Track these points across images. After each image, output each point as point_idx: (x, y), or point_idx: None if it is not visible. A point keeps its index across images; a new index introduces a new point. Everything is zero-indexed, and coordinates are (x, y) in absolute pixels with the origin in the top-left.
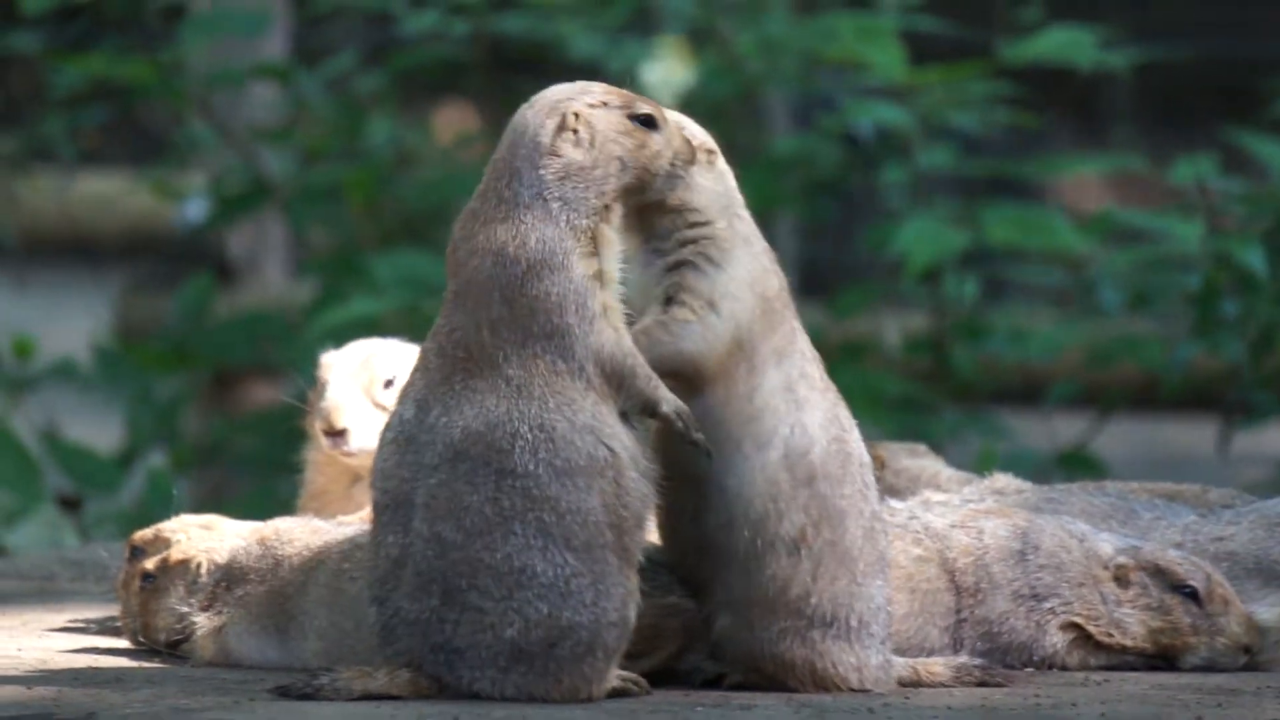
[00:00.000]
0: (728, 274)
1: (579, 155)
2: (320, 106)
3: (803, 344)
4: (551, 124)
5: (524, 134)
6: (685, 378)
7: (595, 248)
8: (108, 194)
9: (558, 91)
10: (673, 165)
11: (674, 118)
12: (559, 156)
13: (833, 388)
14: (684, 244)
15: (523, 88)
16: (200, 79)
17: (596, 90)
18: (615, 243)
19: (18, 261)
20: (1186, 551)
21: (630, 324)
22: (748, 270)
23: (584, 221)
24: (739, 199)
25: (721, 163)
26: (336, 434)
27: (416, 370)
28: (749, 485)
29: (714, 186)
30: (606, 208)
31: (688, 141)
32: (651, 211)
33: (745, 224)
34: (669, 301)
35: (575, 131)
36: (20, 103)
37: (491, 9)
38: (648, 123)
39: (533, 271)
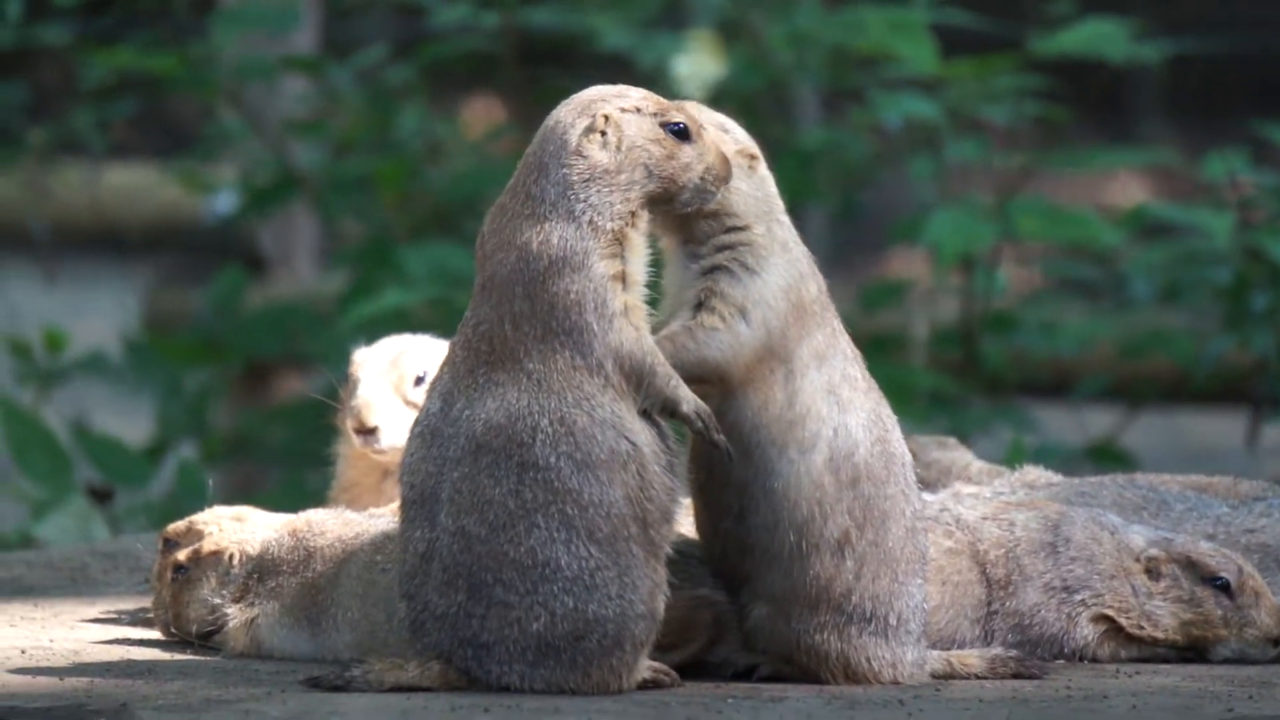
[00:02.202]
0: (762, 280)
1: (604, 158)
2: (350, 99)
3: (845, 345)
4: (581, 124)
5: (554, 131)
6: (712, 384)
7: (620, 249)
8: (137, 186)
9: (594, 92)
10: (703, 180)
11: (716, 120)
12: (584, 157)
13: (875, 386)
14: (721, 249)
15: (552, 80)
16: (230, 72)
17: (634, 95)
18: (641, 246)
19: (47, 253)
20: (1218, 544)
21: (655, 327)
22: (784, 277)
23: (608, 224)
24: (779, 204)
25: (763, 168)
26: (368, 432)
27: (445, 364)
28: (794, 488)
29: (754, 192)
30: (633, 214)
31: (725, 160)
32: (691, 215)
33: (785, 229)
34: (699, 306)
35: (603, 134)
36: (50, 95)
37: (522, 1)
38: (681, 134)
39: (554, 269)
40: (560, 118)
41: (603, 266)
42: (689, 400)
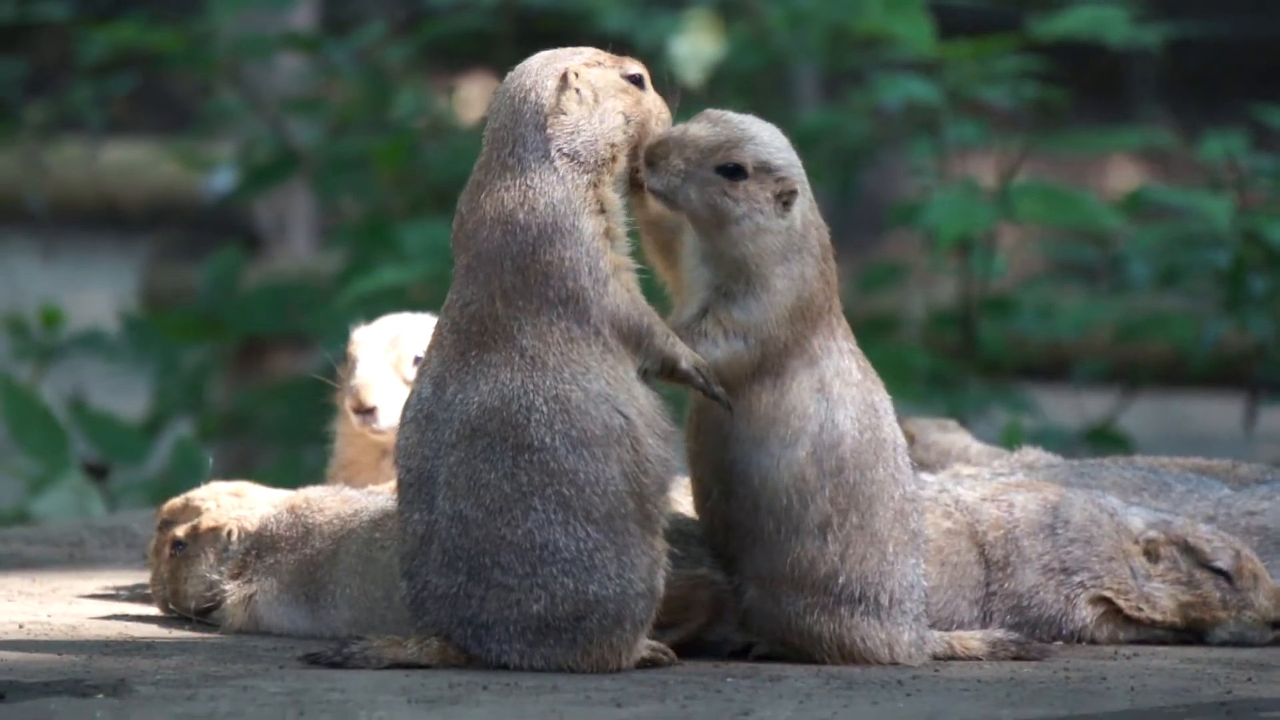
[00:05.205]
0: (765, 307)
1: (584, 112)
2: (348, 76)
3: (841, 339)
4: (552, 85)
5: (524, 99)
6: None
7: (601, 206)
8: (135, 163)
9: (544, 56)
10: (659, 125)
11: (761, 158)
12: (565, 114)
13: (871, 373)
14: (732, 279)
15: None
16: (229, 48)
17: (586, 51)
18: (618, 205)
19: (46, 229)
20: (1218, 525)
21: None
22: (789, 300)
23: (589, 176)
24: (811, 234)
25: (800, 203)
26: (366, 411)
27: (432, 347)
28: (774, 479)
29: (782, 231)
30: (613, 159)
31: (664, 105)
32: (724, 246)
33: (806, 258)
34: (704, 313)
35: (577, 90)
36: (49, 71)
37: None
38: (638, 81)
39: (544, 237)
40: (525, 85)
41: (591, 224)
42: (687, 356)
